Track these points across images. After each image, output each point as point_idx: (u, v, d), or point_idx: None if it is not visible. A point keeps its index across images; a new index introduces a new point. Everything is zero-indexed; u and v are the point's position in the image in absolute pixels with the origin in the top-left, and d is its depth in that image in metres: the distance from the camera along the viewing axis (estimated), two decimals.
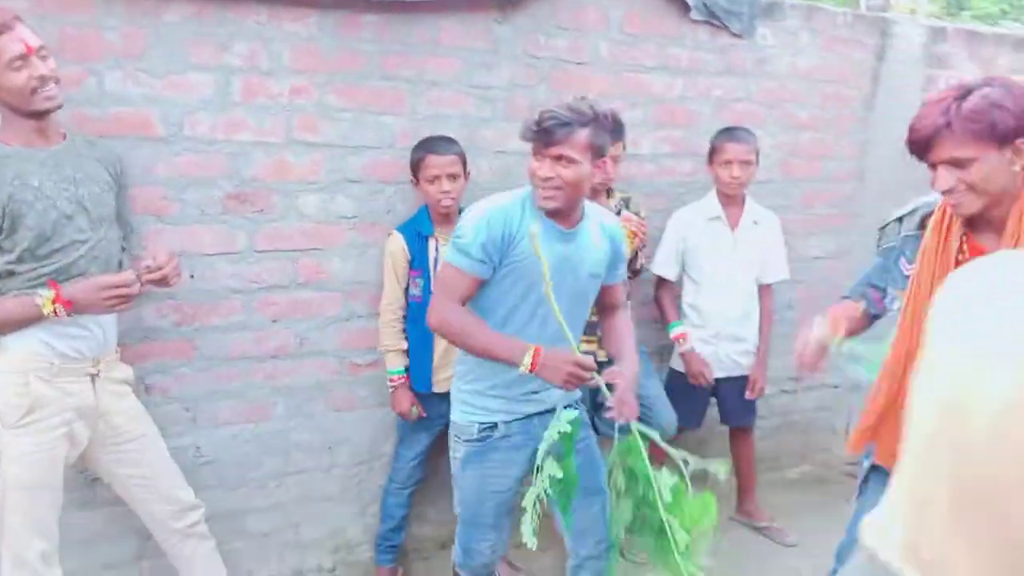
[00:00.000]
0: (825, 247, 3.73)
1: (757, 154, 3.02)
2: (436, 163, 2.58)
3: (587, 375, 1.96)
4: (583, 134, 1.95)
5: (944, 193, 1.68)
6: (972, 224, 1.75)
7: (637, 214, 2.92)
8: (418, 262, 2.66)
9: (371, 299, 2.76)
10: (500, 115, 2.85)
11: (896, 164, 3.72)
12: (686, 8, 3.10)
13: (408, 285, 2.68)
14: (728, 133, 3.01)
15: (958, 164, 1.61)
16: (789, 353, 3.59)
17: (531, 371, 1.93)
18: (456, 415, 2.19)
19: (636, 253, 2.86)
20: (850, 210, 3.76)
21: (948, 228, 1.78)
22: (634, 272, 2.96)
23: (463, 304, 2.05)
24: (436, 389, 2.72)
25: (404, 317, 2.71)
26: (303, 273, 2.67)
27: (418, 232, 2.67)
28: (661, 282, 3.14)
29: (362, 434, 2.88)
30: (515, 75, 2.85)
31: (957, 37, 3.83)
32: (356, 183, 2.70)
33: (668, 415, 2.89)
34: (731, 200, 3.07)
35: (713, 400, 3.24)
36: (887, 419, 1.85)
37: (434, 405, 2.74)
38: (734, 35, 3.24)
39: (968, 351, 0.57)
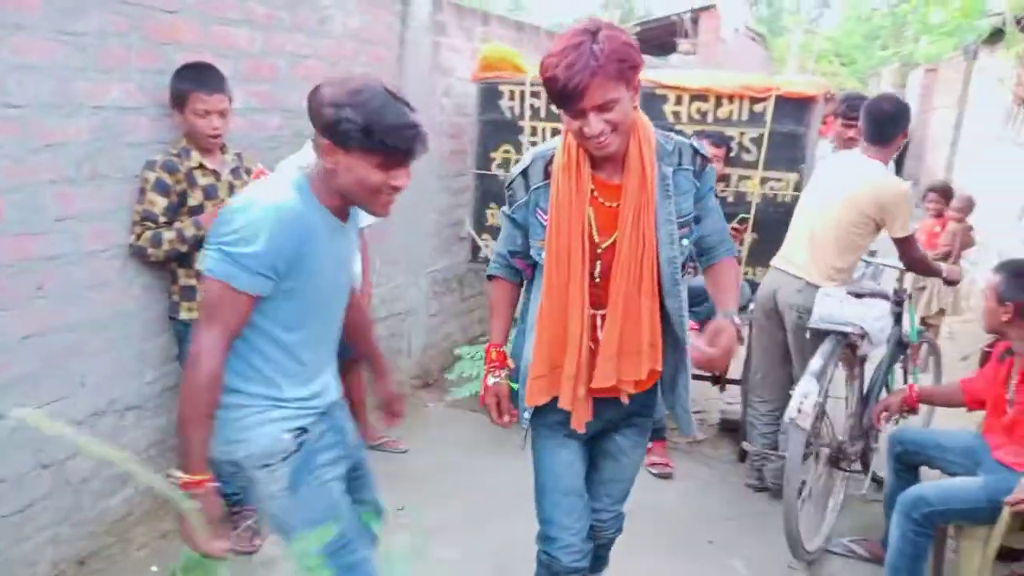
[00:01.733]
0: None
1: None
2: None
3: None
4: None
5: (593, 137, 1.73)
6: (596, 163, 1.87)
7: (248, 170, 2.93)
8: None
9: None
10: (93, 65, 2.51)
11: (425, 119, 4.35)
12: None
13: None
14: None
15: (604, 108, 1.70)
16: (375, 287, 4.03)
17: (184, 488, 1.56)
18: (253, 443, 1.72)
19: None
20: None
21: (578, 170, 1.86)
22: None
23: (234, 334, 1.64)
24: None
25: None
26: None
27: None
28: None
29: None
30: (106, 22, 2.53)
31: (449, 9, 4.59)
32: None
33: None
34: None
35: None
36: (556, 366, 1.93)
37: None
38: None
39: None
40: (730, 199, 3.97)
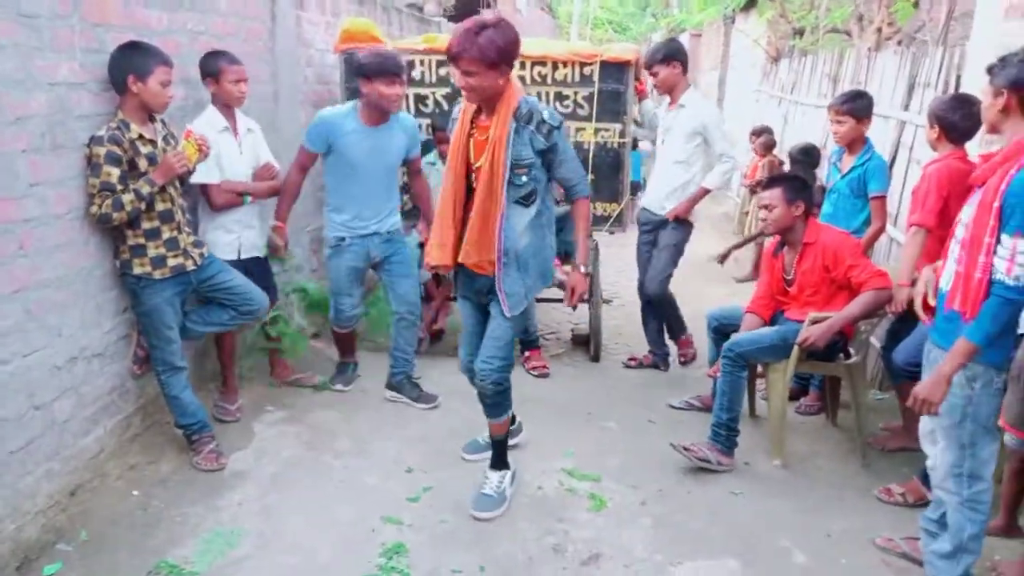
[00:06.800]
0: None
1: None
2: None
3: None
4: None
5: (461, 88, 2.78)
6: (479, 111, 2.91)
7: (173, 135, 3.30)
8: None
9: None
10: (48, 45, 2.79)
11: (294, 87, 4.77)
12: None
13: None
14: (227, 57, 3.63)
15: (467, 73, 2.70)
16: None
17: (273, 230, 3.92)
18: (328, 232, 4.02)
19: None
20: (270, 122, 4.64)
21: (465, 115, 2.95)
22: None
23: (304, 170, 3.95)
24: None
25: None
26: None
27: None
28: (212, 189, 3.64)
29: None
30: (55, 4, 2.80)
31: None
32: None
33: (261, 298, 3.49)
34: (230, 112, 3.72)
35: None
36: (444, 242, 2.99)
37: None
38: None
39: None
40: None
